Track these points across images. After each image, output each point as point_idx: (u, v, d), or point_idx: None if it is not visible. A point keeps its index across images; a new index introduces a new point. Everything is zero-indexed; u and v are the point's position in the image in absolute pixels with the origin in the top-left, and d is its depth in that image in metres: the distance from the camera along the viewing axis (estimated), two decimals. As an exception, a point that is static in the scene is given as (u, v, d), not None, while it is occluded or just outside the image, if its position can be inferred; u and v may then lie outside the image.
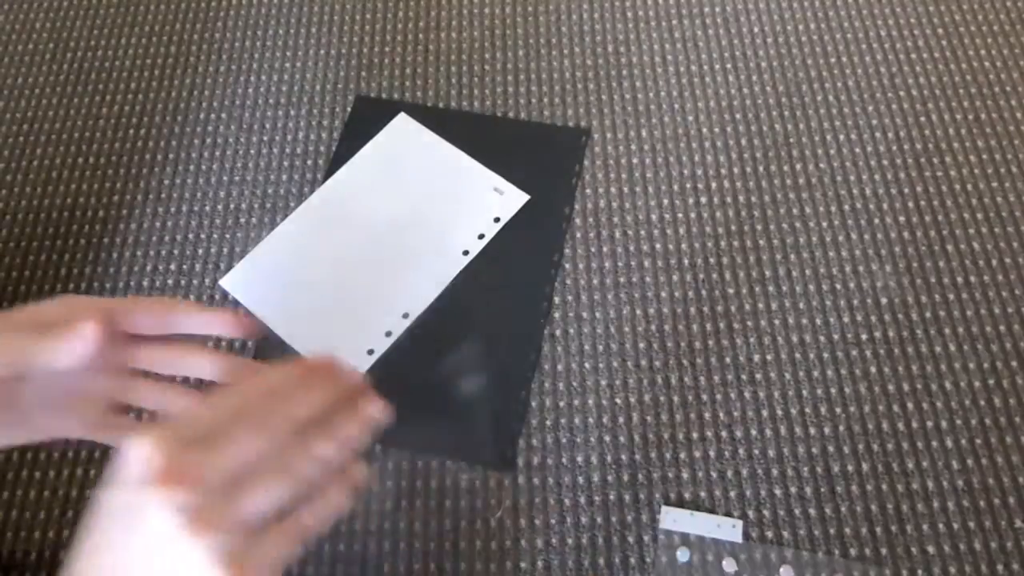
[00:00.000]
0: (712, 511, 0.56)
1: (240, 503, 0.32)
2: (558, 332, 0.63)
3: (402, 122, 0.72)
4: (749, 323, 0.63)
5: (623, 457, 0.58)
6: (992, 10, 0.77)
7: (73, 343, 0.38)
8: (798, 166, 0.69)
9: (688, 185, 0.69)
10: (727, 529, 0.55)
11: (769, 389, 0.60)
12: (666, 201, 0.68)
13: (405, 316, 0.63)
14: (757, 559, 0.54)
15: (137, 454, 0.31)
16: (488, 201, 0.68)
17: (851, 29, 0.76)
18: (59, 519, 0.57)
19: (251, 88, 0.75)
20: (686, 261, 0.65)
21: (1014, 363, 0.60)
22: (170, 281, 0.66)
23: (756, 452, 0.58)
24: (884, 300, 0.63)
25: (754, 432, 0.59)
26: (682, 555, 0.54)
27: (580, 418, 0.59)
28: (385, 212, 0.68)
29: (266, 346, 0.62)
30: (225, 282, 0.65)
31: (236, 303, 0.64)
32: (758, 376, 0.60)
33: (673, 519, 0.56)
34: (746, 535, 0.55)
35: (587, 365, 0.61)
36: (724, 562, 0.54)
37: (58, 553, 0.56)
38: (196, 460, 0.32)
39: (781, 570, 0.54)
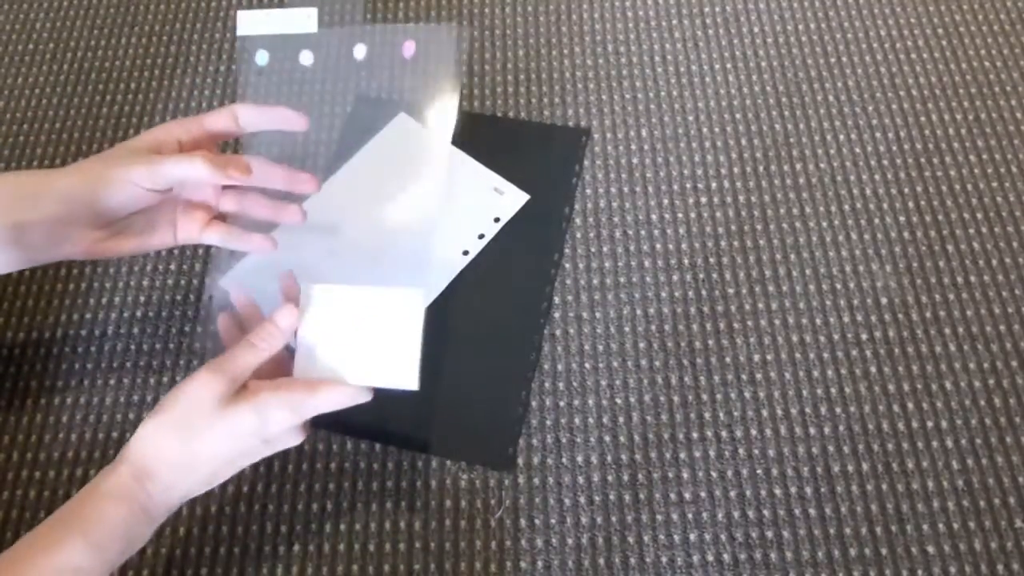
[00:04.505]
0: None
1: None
2: (558, 332, 0.63)
3: (402, 122, 0.72)
4: (749, 323, 0.63)
5: (623, 457, 0.58)
6: (992, 10, 0.77)
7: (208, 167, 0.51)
8: (798, 166, 0.69)
9: (688, 185, 0.69)
10: (302, 21, 0.51)
11: (769, 389, 0.60)
12: (666, 201, 0.68)
13: (405, 316, 0.63)
14: (333, 44, 0.51)
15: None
16: (488, 201, 0.68)
17: (851, 29, 0.76)
18: (59, 519, 0.57)
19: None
20: (686, 261, 0.65)
21: (1014, 363, 0.60)
22: (170, 281, 0.66)
23: (756, 452, 0.58)
24: (884, 300, 0.63)
25: (754, 432, 0.59)
26: (260, 59, 0.51)
27: (580, 418, 0.59)
28: (385, 212, 0.68)
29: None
30: (225, 282, 0.65)
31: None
32: (758, 376, 0.60)
33: (249, 22, 0.51)
34: (321, 22, 0.51)
35: (587, 365, 0.61)
36: (300, 55, 0.51)
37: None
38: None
39: (355, 49, 0.51)
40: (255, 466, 0.58)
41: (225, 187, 0.56)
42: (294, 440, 0.51)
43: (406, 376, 0.50)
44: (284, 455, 0.59)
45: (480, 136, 0.71)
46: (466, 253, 0.66)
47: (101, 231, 0.53)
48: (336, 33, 0.55)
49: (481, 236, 0.66)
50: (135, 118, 0.74)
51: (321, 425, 0.59)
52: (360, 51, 0.52)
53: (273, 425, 0.48)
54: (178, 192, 0.55)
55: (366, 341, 0.51)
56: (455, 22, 0.56)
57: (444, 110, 0.60)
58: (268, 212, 0.57)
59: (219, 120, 0.53)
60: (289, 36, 0.53)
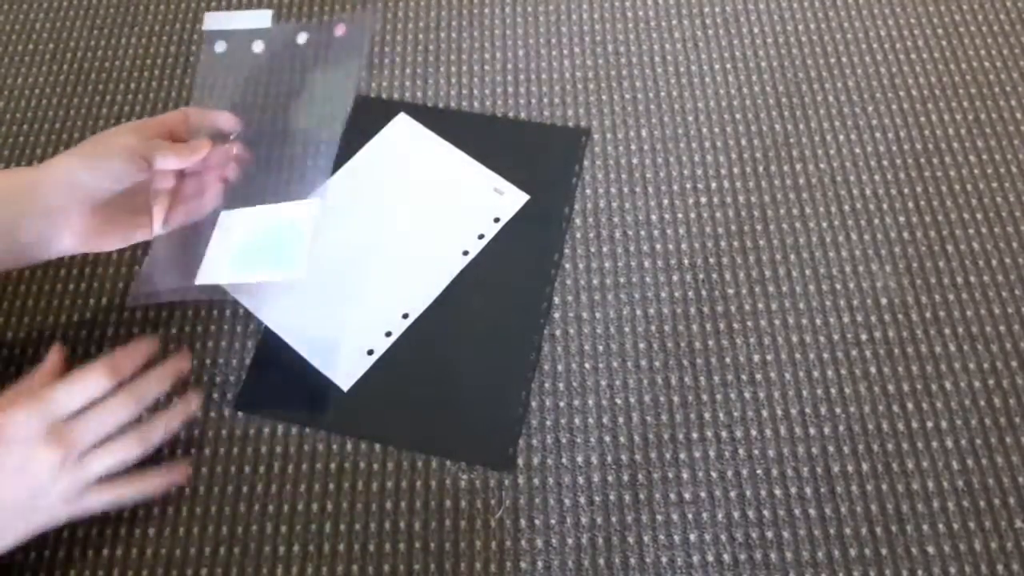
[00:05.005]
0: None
1: (84, 438, 0.50)
2: (558, 332, 0.63)
3: (402, 122, 0.72)
4: (749, 323, 0.63)
5: (623, 457, 0.58)
6: (992, 10, 0.77)
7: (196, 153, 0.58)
8: (798, 166, 0.69)
9: (688, 185, 0.69)
10: (259, 19, 0.63)
11: (769, 389, 0.60)
12: (666, 201, 0.68)
13: (405, 316, 0.63)
14: (280, 35, 0.65)
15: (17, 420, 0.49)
16: (488, 201, 0.68)
17: (851, 29, 0.76)
18: (59, 519, 0.57)
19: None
20: (686, 261, 0.65)
21: (1014, 363, 0.60)
22: (170, 281, 0.66)
23: (756, 452, 0.58)
24: (884, 300, 0.63)
25: (754, 432, 0.59)
26: (219, 47, 0.62)
27: (580, 418, 0.59)
28: (385, 212, 0.68)
29: (265, 348, 0.63)
30: (195, 242, 0.64)
31: (236, 303, 0.64)
32: (758, 376, 0.60)
33: (214, 20, 0.63)
34: (275, 20, 0.64)
35: (587, 365, 0.61)
36: (253, 44, 0.63)
37: (58, 553, 0.56)
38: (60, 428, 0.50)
39: (298, 37, 0.66)
40: (255, 465, 0.58)
41: (181, 175, 0.61)
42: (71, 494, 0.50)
43: (293, 269, 0.56)
44: (284, 454, 0.59)
45: (480, 136, 0.71)
46: (466, 253, 0.66)
47: (94, 219, 0.54)
48: (285, 26, 0.70)
49: (481, 236, 0.66)
50: (135, 118, 0.74)
51: (324, 425, 0.60)
52: (302, 38, 0.67)
53: (19, 428, 0.48)
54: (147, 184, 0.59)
55: (261, 246, 0.58)
56: (379, 4, 0.75)
57: (348, 76, 0.70)
58: (219, 173, 0.63)
59: (174, 120, 0.60)
60: (245, 30, 0.65)
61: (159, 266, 0.61)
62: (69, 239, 0.54)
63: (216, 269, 0.58)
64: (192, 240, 0.61)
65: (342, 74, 0.69)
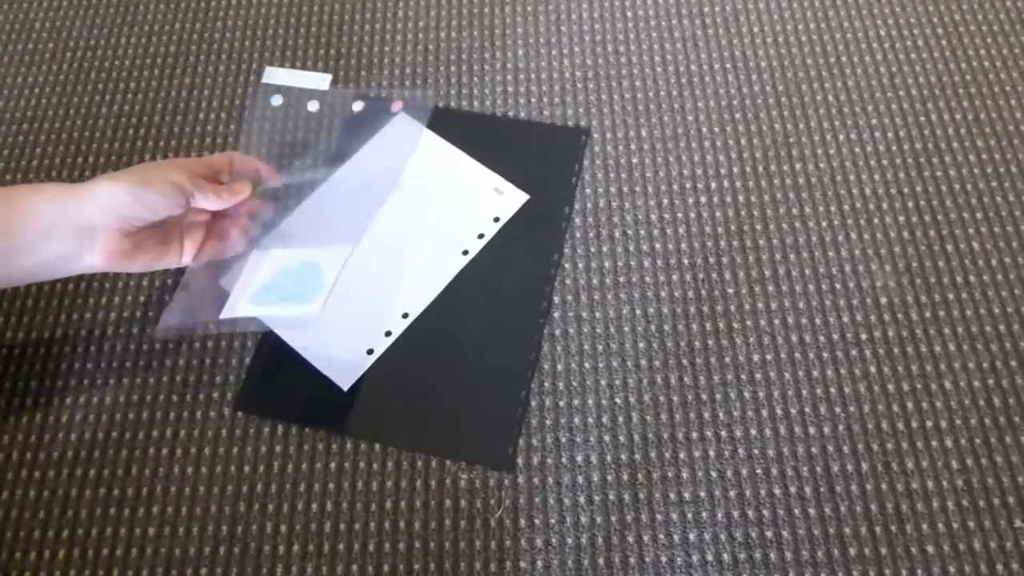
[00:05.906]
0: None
1: None
2: (558, 332, 0.63)
3: (402, 122, 0.72)
4: (749, 323, 0.63)
5: (623, 457, 0.58)
6: (992, 10, 0.77)
7: (233, 196, 0.60)
8: (798, 166, 0.69)
9: (688, 185, 0.69)
10: (317, 81, 0.70)
11: (769, 389, 0.60)
12: (666, 201, 0.68)
13: (405, 316, 0.63)
14: (336, 99, 0.69)
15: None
16: (488, 201, 0.68)
17: (851, 29, 0.76)
18: (59, 519, 0.57)
19: (251, 88, 0.75)
20: (686, 261, 0.65)
21: (1014, 363, 0.60)
22: (169, 281, 0.66)
23: (756, 452, 0.58)
24: (884, 300, 0.63)
25: (754, 432, 0.59)
26: (275, 101, 0.67)
27: (580, 418, 0.59)
28: (385, 212, 0.68)
29: (265, 348, 0.63)
30: (225, 281, 0.65)
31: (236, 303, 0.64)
32: (758, 376, 0.61)
33: (273, 75, 0.68)
34: (333, 84, 0.68)
35: (587, 365, 0.61)
36: (309, 103, 0.67)
37: (58, 553, 0.56)
38: None
39: (354, 105, 0.70)
40: (255, 465, 0.58)
41: (217, 213, 0.62)
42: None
43: (309, 306, 0.62)
44: (284, 454, 0.59)
45: (480, 136, 0.71)
46: (466, 253, 0.66)
47: (124, 242, 0.55)
48: (341, 91, 0.73)
49: (481, 236, 0.66)
50: (135, 118, 0.74)
51: (323, 425, 0.60)
52: (358, 106, 0.71)
53: None
54: (182, 217, 0.60)
55: (284, 284, 0.62)
56: (432, 82, 0.74)
57: (408, 142, 0.72)
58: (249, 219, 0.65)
59: (219, 162, 0.61)
60: (303, 89, 0.70)
61: (188, 303, 0.62)
62: (97, 258, 0.55)
63: (239, 304, 0.61)
64: (220, 279, 0.63)
65: (393, 147, 0.71)
